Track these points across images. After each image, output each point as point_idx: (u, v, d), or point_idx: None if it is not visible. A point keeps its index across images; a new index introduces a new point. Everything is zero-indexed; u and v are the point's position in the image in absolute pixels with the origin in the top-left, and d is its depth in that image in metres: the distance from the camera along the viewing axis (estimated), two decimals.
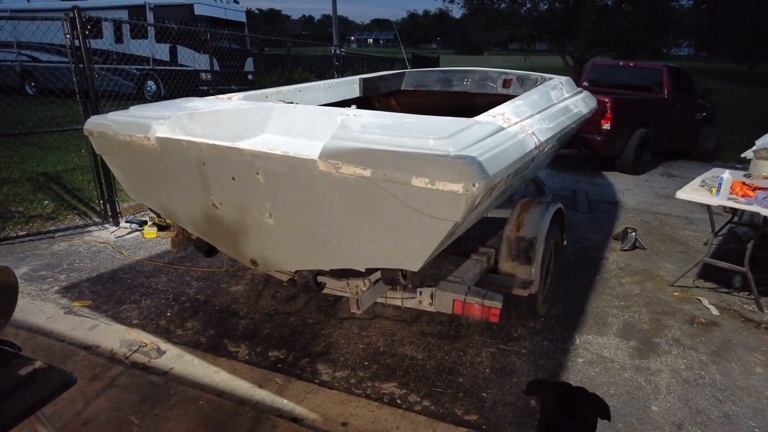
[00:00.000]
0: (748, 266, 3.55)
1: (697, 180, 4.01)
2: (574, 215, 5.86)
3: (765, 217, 3.39)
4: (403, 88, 5.21)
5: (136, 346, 2.92)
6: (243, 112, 2.80)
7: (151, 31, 14.76)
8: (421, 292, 2.51)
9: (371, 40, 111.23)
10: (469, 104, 5.35)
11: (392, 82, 5.11)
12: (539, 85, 4.13)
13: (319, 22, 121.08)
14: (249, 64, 16.51)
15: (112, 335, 3.01)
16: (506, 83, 4.69)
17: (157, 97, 14.92)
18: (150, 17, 15.04)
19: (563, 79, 4.19)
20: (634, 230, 4.83)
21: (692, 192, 3.64)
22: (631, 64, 9.69)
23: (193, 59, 14.37)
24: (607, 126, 7.68)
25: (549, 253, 3.12)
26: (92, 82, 4.51)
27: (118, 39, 15.27)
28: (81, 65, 4.41)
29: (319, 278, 2.44)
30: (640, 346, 3.05)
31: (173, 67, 14.61)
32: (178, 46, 14.73)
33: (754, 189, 3.59)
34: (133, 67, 15.30)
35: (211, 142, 2.30)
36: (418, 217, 1.83)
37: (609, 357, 2.92)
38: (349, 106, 2.56)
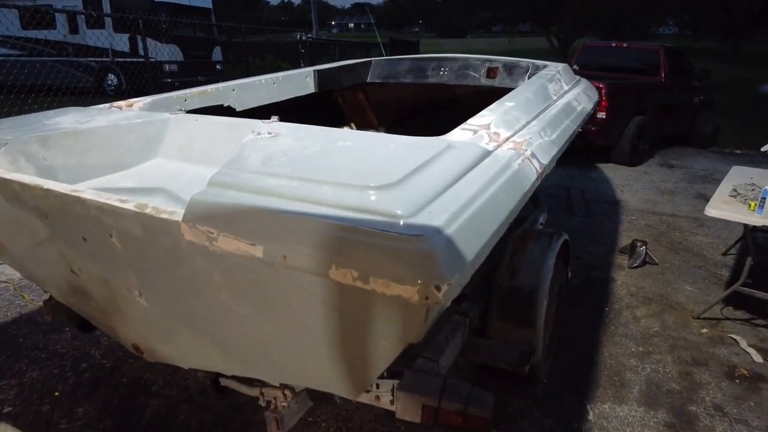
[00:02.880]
0: None
1: (725, 187, 3.30)
2: (570, 220, 5.15)
3: None
4: (369, 80, 4.41)
5: None
6: (123, 130, 2.00)
7: (109, 20, 13.68)
8: (378, 385, 1.75)
9: (352, 24, 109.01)
10: (450, 97, 4.58)
11: (357, 73, 4.31)
12: (531, 74, 3.38)
13: (298, 7, 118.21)
14: (217, 54, 15.47)
15: None
16: (491, 73, 3.92)
17: (118, 91, 13.88)
18: (106, 5, 13.91)
19: (560, 66, 3.43)
20: (644, 243, 4.12)
21: (724, 207, 2.92)
22: (625, 45, 8.96)
23: (156, 50, 13.37)
24: (602, 114, 6.95)
25: (554, 301, 2.39)
26: None
27: (73, 29, 14.14)
28: None
29: (222, 381, 1.69)
30: (672, 419, 2.34)
31: (134, 59, 13.56)
32: (138, 36, 13.67)
33: None
34: (91, 59, 14.20)
35: (46, 185, 1.50)
36: (347, 328, 1.07)
37: None
38: (269, 118, 1.78)
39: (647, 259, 4.08)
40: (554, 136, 2.05)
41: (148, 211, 1.25)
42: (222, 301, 1.28)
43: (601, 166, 7.56)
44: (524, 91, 2.42)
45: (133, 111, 2.30)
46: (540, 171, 1.66)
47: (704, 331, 3.09)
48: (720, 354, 2.86)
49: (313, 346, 1.17)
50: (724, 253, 4.34)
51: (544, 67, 3.51)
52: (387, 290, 0.93)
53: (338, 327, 1.07)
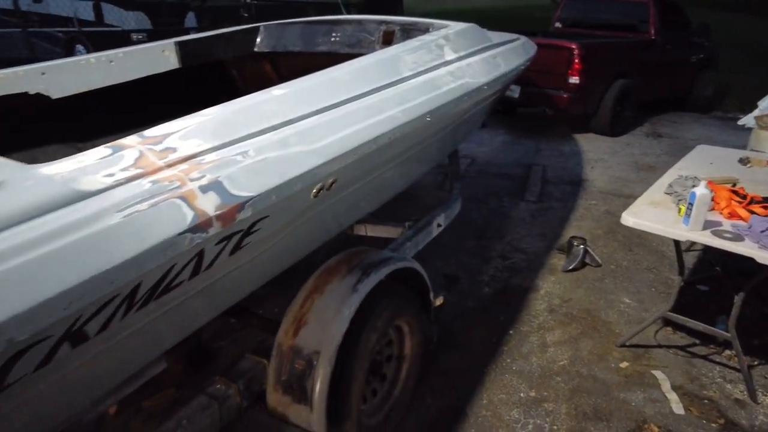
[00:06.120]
0: (734, 330, 2.19)
1: (668, 178, 2.60)
2: (516, 208, 4.46)
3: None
4: (256, 50, 3.70)
5: None
6: None
7: None
8: None
9: None
10: None
11: (238, 42, 3.60)
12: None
13: None
14: (191, 20, 14.60)
15: None
16: (387, 37, 3.19)
17: None
18: None
19: (456, 27, 2.70)
20: (583, 241, 3.44)
21: (648, 212, 2.23)
22: None
23: (121, 18, 12.72)
24: (575, 80, 6.12)
25: (363, 369, 1.73)
26: None
27: None
28: None
29: None
30: None
31: (101, 29, 12.91)
32: (102, 4, 12.96)
33: (750, 204, 2.18)
34: (57, 29, 13.54)
35: None
36: None
37: None
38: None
39: (587, 260, 3.41)
40: (324, 142, 1.39)
41: None
42: None
43: (579, 137, 6.76)
44: (336, 70, 1.74)
45: None
46: (216, 213, 1.02)
47: (624, 365, 2.45)
48: (632, 401, 2.23)
49: None
50: (687, 249, 3.64)
51: (442, 27, 2.79)
52: None
53: None
